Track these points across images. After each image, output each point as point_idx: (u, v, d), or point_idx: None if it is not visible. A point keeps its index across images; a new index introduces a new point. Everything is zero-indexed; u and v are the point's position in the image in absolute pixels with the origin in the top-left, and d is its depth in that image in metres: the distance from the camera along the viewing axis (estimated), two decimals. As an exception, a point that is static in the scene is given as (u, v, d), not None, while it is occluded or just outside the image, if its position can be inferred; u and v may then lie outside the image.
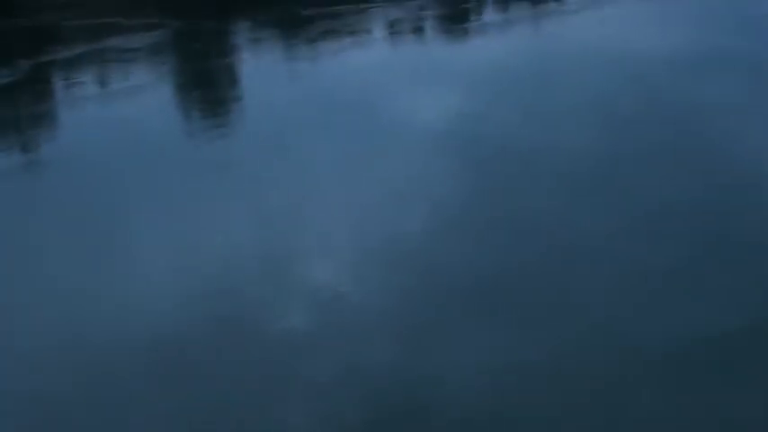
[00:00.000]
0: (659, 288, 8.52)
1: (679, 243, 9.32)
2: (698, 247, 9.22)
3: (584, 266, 9.03)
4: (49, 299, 9.24)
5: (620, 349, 7.65)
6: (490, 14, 20.69)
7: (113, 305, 9.00)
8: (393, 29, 20.28)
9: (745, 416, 6.73)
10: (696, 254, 9.09)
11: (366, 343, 8.01)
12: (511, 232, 9.85)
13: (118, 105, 15.94)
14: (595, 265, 9.02)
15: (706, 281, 8.61)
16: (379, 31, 20.14)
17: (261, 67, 18.10)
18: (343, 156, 12.58)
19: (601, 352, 7.63)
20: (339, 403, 7.20)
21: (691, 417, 6.78)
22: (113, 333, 8.47)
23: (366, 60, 17.77)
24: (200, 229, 10.58)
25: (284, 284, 9.15)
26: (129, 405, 7.43)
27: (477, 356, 7.68)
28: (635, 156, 11.75)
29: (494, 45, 18.38)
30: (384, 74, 16.80)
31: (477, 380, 7.37)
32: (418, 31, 20.08)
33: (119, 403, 7.46)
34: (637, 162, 11.53)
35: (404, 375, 7.52)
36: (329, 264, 9.54)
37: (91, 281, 9.54)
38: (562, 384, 7.24)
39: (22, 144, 14.50)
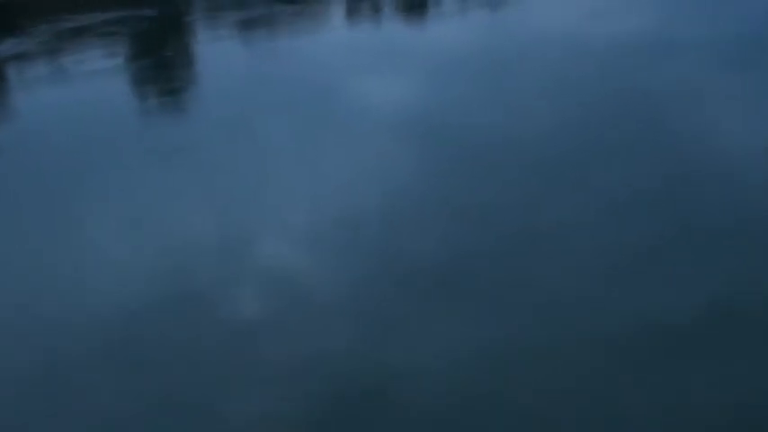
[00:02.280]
0: (623, 273, 8.60)
1: (643, 229, 9.39)
2: (662, 234, 9.30)
3: (548, 253, 9.06)
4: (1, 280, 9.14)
5: (586, 333, 7.69)
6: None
7: (66, 287, 8.94)
8: (353, 13, 20.24)
9: (708, 398, 6.80)
10: (660, 240, 9.17)
11: (324, 327, 7.97)
12: (473, 218, 9.85)
13: (74, 87, 15.73)
14: (559, 253, 9.06)
15: (670, 266, 8.70)
16: (339, 15, 20.09)
17: (219, 49, 17.96)
18: (301, 140, 12.49)
19: (566, 336, 7.66)
20: (295, 387, 7.16)
21: (656, 400, 6.82)
22: (66, 314, 8.43)
23: (326, 44, 17.70)
24: (156, 211, 10.50)
25: (239, 267, 9.10)
26: (80, 387, 7.37)
27: (437, 341, 7.67)
28: (597, 143, 11.79)
29: (455, 30, 18.38)
30: (344, 58, 16.74)
31: (437, 364, 7.36)
32: (379, 15, 20.03)
33: (69, 385, 7.40)
34: (599, 150, 11.58)
35: (361, 359, 7.49)
36: (286, 247, 9.48)
37: (45, 263, 9.46)
38: (525, 368, 7.26)
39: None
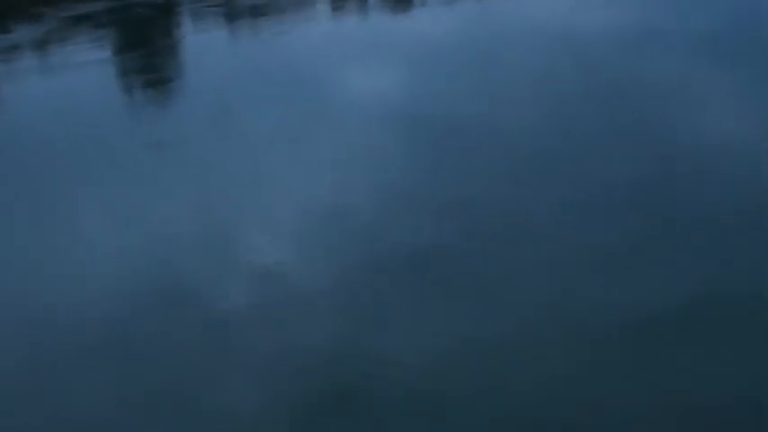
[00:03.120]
0: (606, 265, 8.48)
1: (626, 221, 9.28)
2: (645, 225, 9.17)
3: (531, 244, 8.96)
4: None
5: (568, 325, 7.59)
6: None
7: (54, 283, 8.96)
8: (340, 3, 20.27)
9: (708, 395, 6.66)
10: (643, 231, 9.04)
11: (309, 319, 7.92)
12: (457, 210, 9.76)
13: (60, 79, 15.73)
14: (542, 243, 8.95)
15: (654, 257, 8.57)
16: (325, 6, 20.04)
17: (204, 41, 17.88)
18: (287, 132, 12.43)
19: (548, 328, 7.55)
20: (280, 382, 7.11)
21: (639, 395, 6.70)
22: (53, 310, 8.44)
23: (312, 35, 17.57)
24: (143, 206, 10.50)
25: (226, 261, 9.06)
26: (68, 383, 7.37)
27: (421, 334, 7.59)
28: (581, 135, 11.63)
29: (442, 20, 18.23)
30: (331, 49, 16.60)
31: (421, 357, 7.29)
32: (365, 5, 20.04)
33: (57, 381, 7.40)
34: (583, 141, 11.41)
35: (346, 352, 7.42)
36: (272, 240, 9.43)
37: (31, 259, 9.50)
38: (506, 361, 7.17)
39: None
